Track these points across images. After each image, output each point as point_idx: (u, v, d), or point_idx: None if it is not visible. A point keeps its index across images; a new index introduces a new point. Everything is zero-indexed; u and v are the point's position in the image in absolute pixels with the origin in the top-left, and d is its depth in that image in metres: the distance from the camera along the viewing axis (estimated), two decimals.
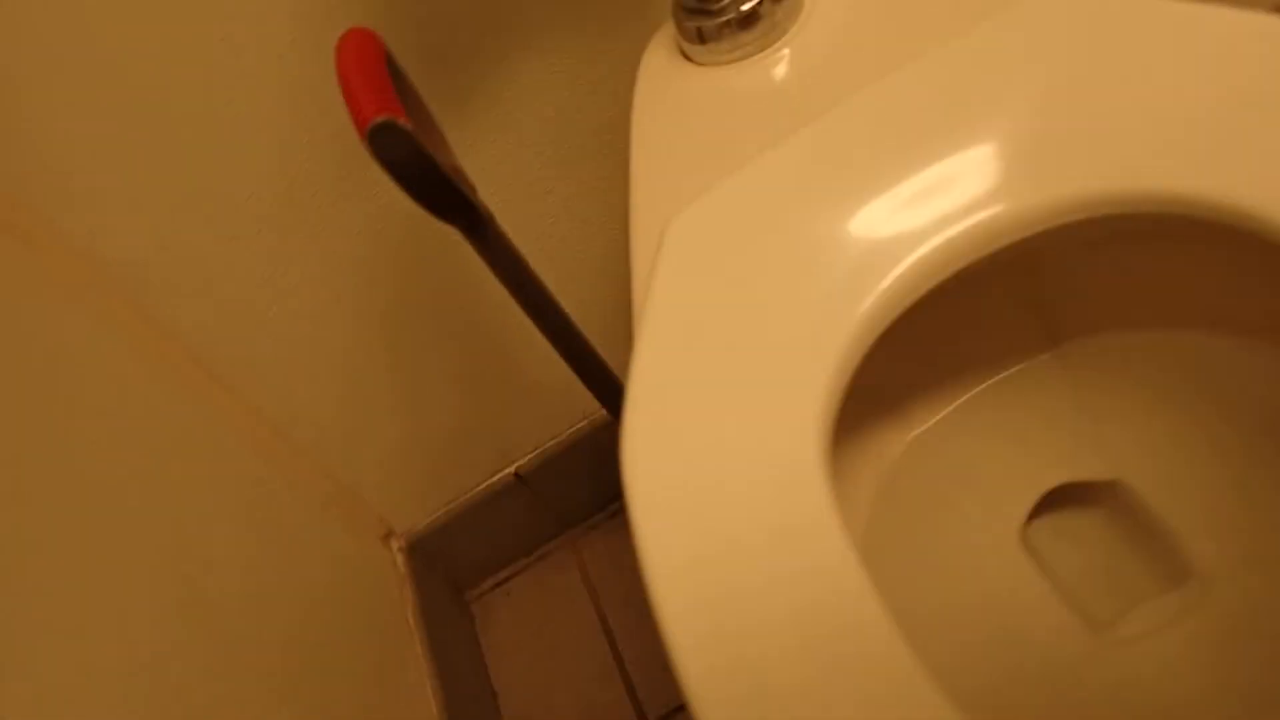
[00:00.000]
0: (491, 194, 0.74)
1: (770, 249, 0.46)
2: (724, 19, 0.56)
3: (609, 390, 0.60)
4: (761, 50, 0.56)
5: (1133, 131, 0.42)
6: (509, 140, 0.73)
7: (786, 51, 0.56)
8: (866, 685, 0.34)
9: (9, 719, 0.43)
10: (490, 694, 0.91)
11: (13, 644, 0.46)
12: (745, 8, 0.55)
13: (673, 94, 0.57)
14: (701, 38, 0.57)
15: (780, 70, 0.55)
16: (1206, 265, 0.46)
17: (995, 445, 0.56)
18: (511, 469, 0.93)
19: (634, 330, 0.48)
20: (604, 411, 0.89)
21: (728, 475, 0.41)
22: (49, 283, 0.63)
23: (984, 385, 0.56)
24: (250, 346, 0.75)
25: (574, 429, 0.93)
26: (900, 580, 0.53)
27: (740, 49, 0.56)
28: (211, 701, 0.56)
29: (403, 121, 0.45)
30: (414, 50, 0.66)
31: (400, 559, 0.88)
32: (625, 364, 0.46)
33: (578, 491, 0.97)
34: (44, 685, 0.46)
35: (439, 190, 0.48)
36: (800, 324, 0.43)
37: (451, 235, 0.73)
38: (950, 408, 0.56)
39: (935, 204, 0.44)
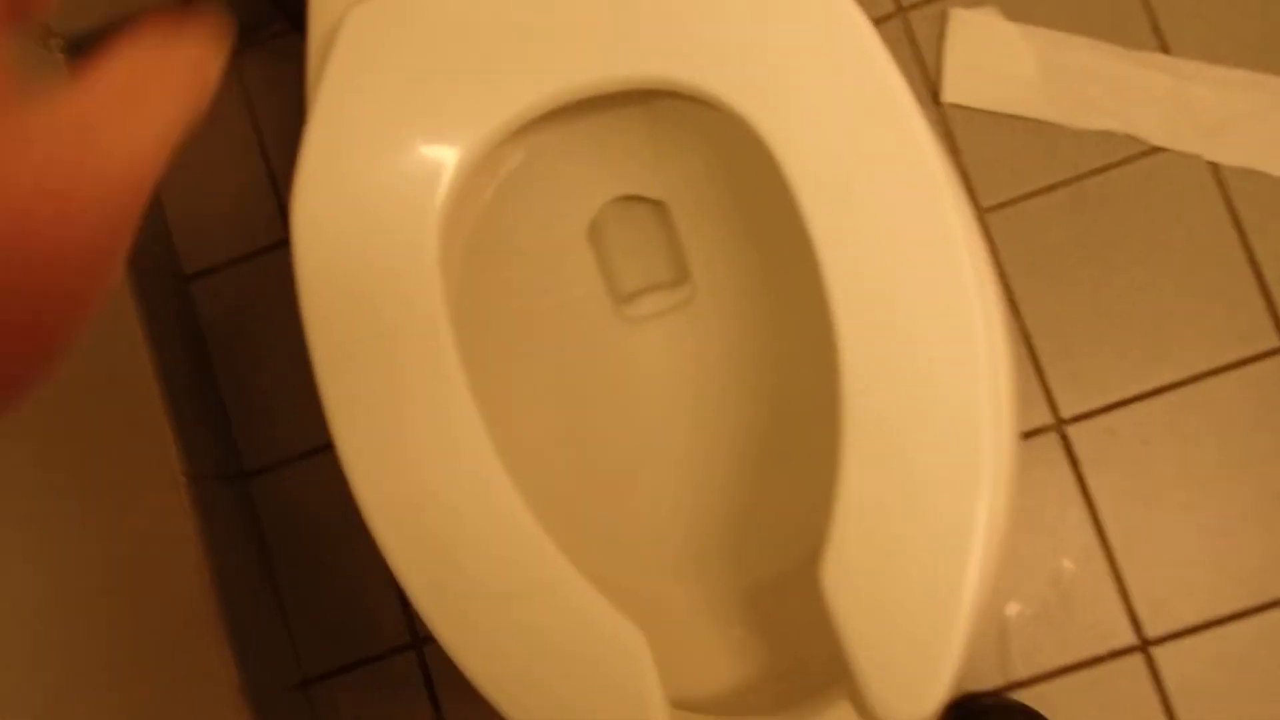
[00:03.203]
0: None
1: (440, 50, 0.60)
2: None
3: None
4: None
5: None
6: None
7: None
8: None
9: None
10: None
11: None
12: None
13: None
14: None
15: None
16: None
17: (584, 164, 0.73)
18: None
19: (307, 105, 0.60)
20: None
21: (376, 227, 0.59)
22: None
23: (585, 124, 0.72)
24: None
25: None
26: (497, 261, 0.73)
27: None
28: None
29: None
30: None
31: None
32: None
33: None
34: None
35: None
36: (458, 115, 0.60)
37: None
38: (555, 136, 0.72)
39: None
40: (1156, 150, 0.89)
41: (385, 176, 0.60)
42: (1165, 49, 0.91)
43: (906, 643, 0.53)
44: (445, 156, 0.60)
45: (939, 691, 0.52)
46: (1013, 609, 0.87)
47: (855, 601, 0.53)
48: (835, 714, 0.55)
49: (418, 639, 0.91)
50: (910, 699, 0.52)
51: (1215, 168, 0.89)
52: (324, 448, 0.91)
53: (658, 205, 0.74)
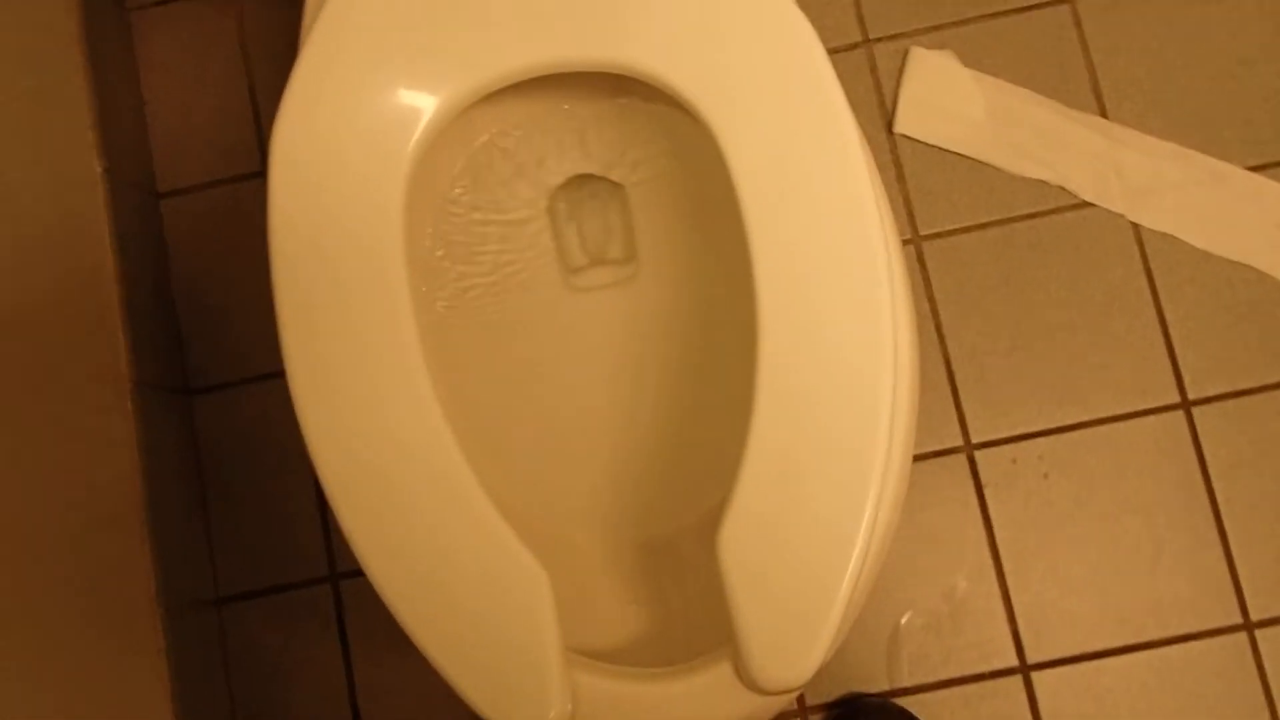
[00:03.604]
0: None
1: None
2: None
3: None
4: None
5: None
6: None
7: None
8: None
9: None
10: (140, 103, 1.01)
11: None
12: None
13: None
14: None
15: None
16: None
17: (554, 142, 0.79)
18: None
19: (300, 40, 0.65)
20: None
21: (350, 165, 0.63)
22: None
23: (560, 107, 0.78)
24: None
25: None
26: (463, 220, 0.78)
27: None
28: None
29: None
30: None
31: None
32: None
33: None
34: None
35: None
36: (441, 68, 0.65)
37: None
38: (531, 109, 0.78)
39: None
40: (1085, 205, 0.96)
41: (365, 118, 0.64)
42: (1104, 113, 0.97)
43: (788, 614, 0.57)
44: (424, 104, 0.64)
45: (811, 664, 0.57)
46: (905, 618, 0.91)
47: (746, 570, 0.57)
48: (715, 673, 0.59)
49: (335, 573, 0.94)
50: (784, 666, 0.57)
51: (1138, 229, 0.95)
52: (268, 375, 0.96)
53: (616, 187, 0.79)
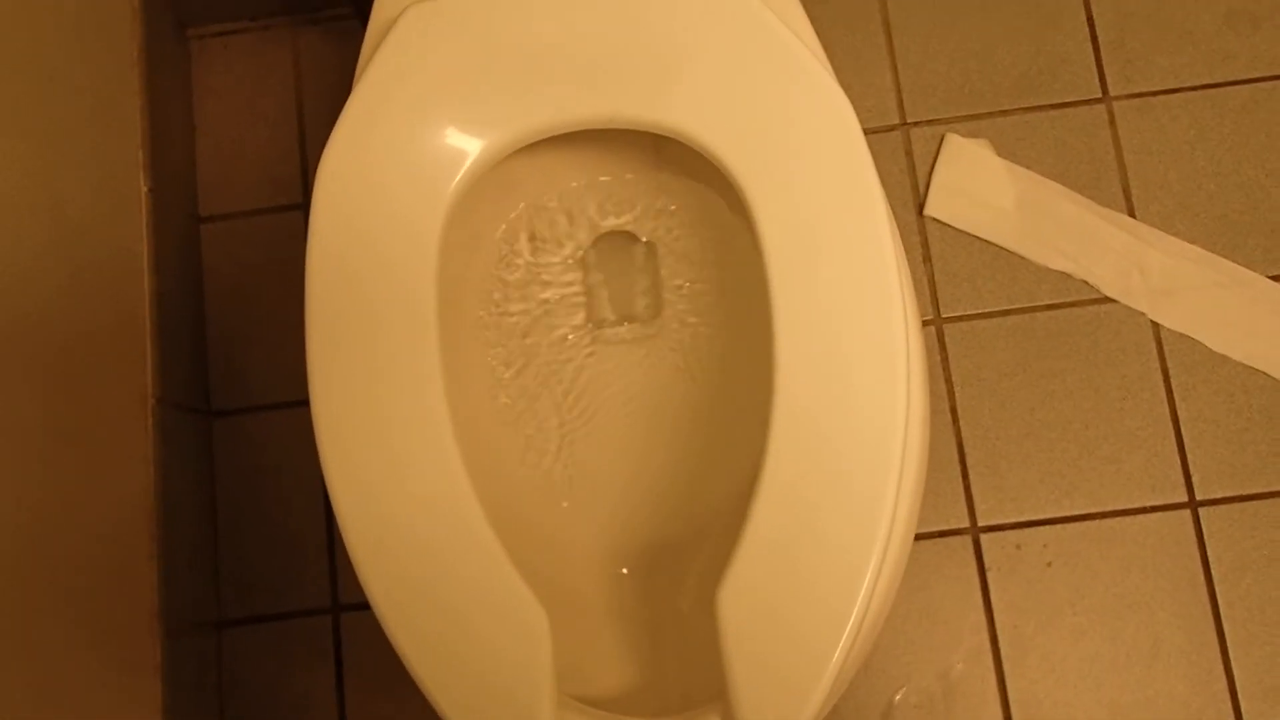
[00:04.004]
0: None
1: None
2: None
3: None
4: None
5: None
6: None
7: None
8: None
9: None
10: (191, 127, 1.03)
11: None
12: None
13: None
14: None
15: None
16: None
17: (593, 205, 0.82)
18: None
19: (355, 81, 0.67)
20: None
21: (392, 200, 0.65)
22: None
23: (600, 179, 0.81)
24: None
25: None
26: (500, 263, 0.81)
27: None
28: None
29: None
30: None
31: None
32: None
33: None
34: None
35: None
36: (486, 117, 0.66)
37: None
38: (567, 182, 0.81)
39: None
40: (1106, 300, 0.97)
41: (410, 155, 0.66)
42: (1132, 212, 0.99)
43: (780, 675, 0.58)
44: (469, 147, 0.66)
45: None
46: (900, 694, 0.91)
47: (742, 627, 0.58)
48: None
49: (337, 605, 0.95)
50: None
51: (1157, 328, 0.97)
52: (287, 404, 0.97)
53: (648, 245, 0.81)
